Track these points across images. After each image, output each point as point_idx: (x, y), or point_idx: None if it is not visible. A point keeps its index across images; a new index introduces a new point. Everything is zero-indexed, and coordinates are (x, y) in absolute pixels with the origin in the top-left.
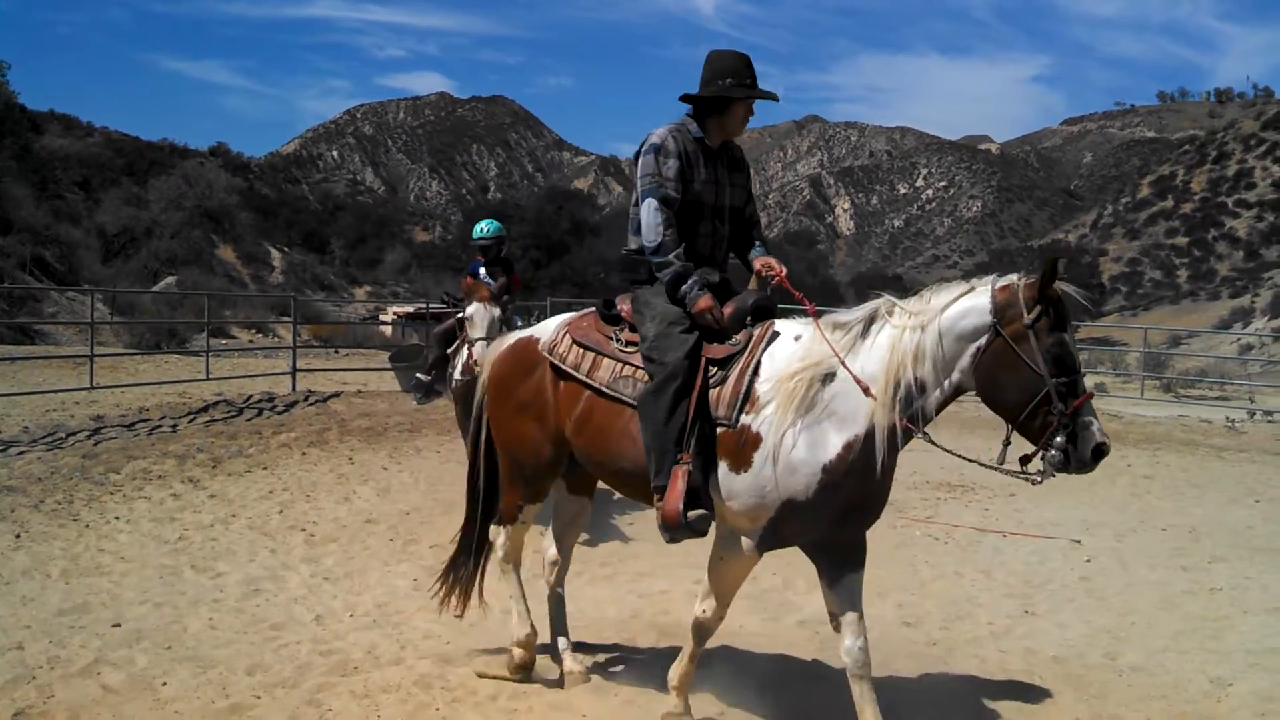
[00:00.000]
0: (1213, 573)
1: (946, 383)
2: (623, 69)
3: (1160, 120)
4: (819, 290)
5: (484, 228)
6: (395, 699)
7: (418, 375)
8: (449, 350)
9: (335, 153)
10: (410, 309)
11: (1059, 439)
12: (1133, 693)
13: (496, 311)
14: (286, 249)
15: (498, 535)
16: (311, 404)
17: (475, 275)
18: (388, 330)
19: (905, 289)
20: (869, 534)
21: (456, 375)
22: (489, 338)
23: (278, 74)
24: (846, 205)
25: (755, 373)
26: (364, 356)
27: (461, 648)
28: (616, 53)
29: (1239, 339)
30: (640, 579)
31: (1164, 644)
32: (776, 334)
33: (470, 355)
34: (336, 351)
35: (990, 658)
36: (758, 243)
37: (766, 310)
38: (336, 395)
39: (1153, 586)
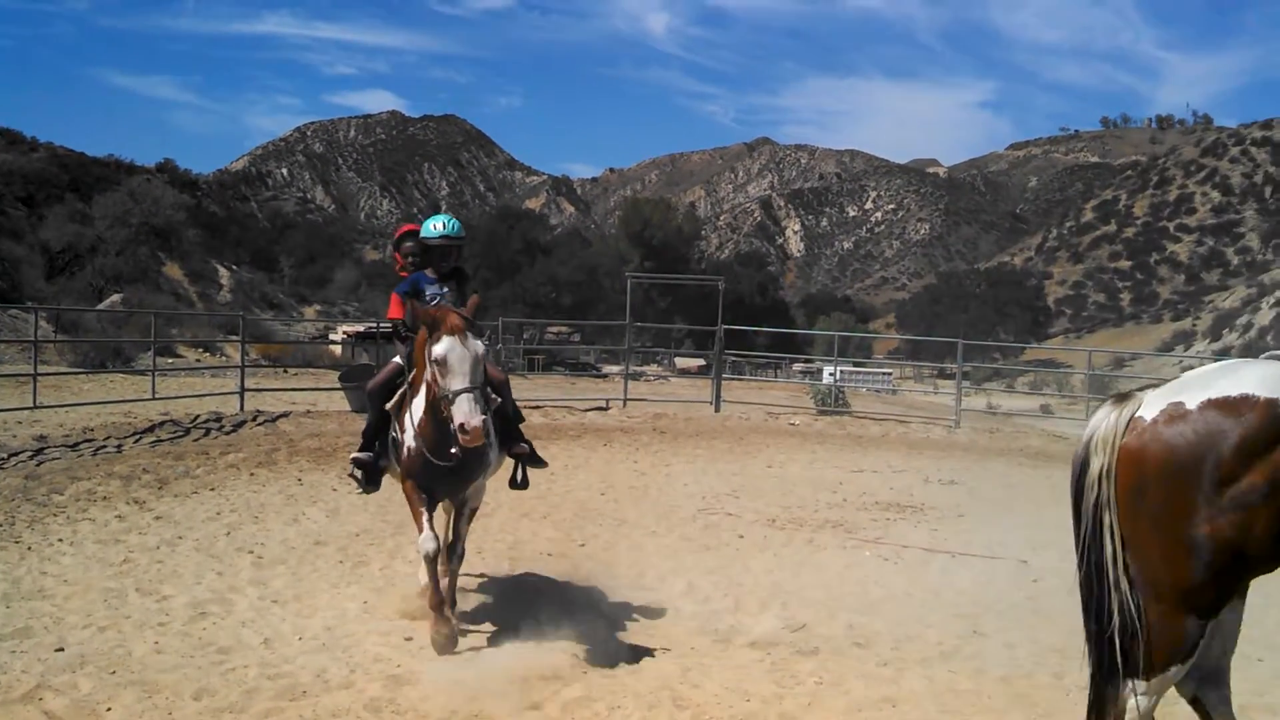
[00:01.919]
0: None
1: None
2: (574, 89)
3: (1104, 146)
4: (769, 311)
5: (440, 225)
6: None
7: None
8: (387, 406)
9: (285, 170)
10: (360, 328)
11: None
12: (1079, 712)
13: (479, 348)
14: (235, 267)
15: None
16: (260, 424)
17: (418, 294)
18: (337, 349)
19: (855, 310)
20: (818, 552)
21: (409, 443)
22: (473, 387)
23: (226, 90)
24: (796, 227)
25: None
26: (313, 376)
27: (412, 670)
28: (568, 73)
29: (1180, 361)
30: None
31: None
32: None
33: (446, 415)
34: (285, 371)
35: (940, 678)
36: None
37: None
38: (285, 415)
39: None
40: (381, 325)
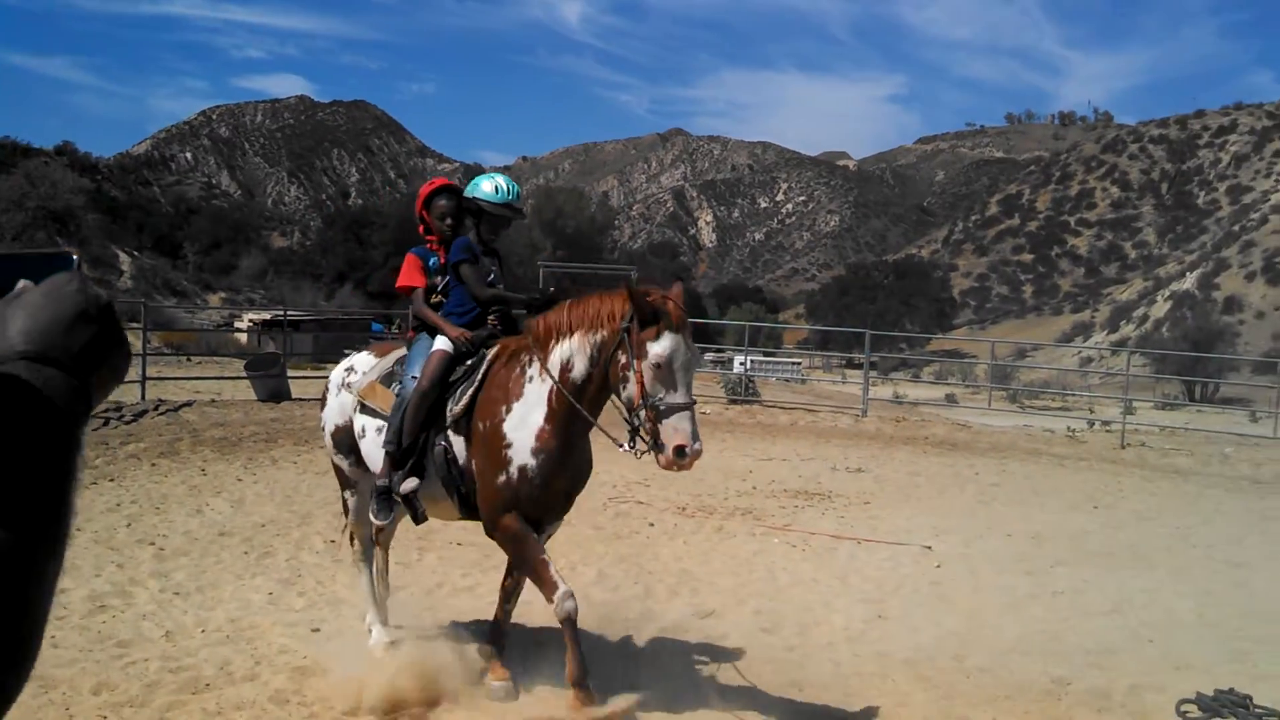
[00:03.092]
0: (1055, 576)
1: None
2: (488, 77)
3: (1008, 141)
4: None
5: (499, 186)
6: (249, 716)
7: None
8: (456, 410)
9: (189, 154)
10: (267, 316)
11: None
12: (980, 693)
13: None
14: (136, 253)
15: None
16: (162, 413)
17: (472, 260)
18: (243, 338)
19: (765, 301)
20: (727, 540)
21: (520, 461)
22: (694, 401)
23: (129, 72)
24: (709, 218)
25: None
26: (218, 365)
27: (318, 661)
28: (481, 60)
29: (1080, 352)
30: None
31: (1009, 646)
32: None
33: (644, 429)
34: (189, 359)
35: (845, 661)
36: None
37: None
38: (189, 404)
39: (999, 590)
40: (290, 313)
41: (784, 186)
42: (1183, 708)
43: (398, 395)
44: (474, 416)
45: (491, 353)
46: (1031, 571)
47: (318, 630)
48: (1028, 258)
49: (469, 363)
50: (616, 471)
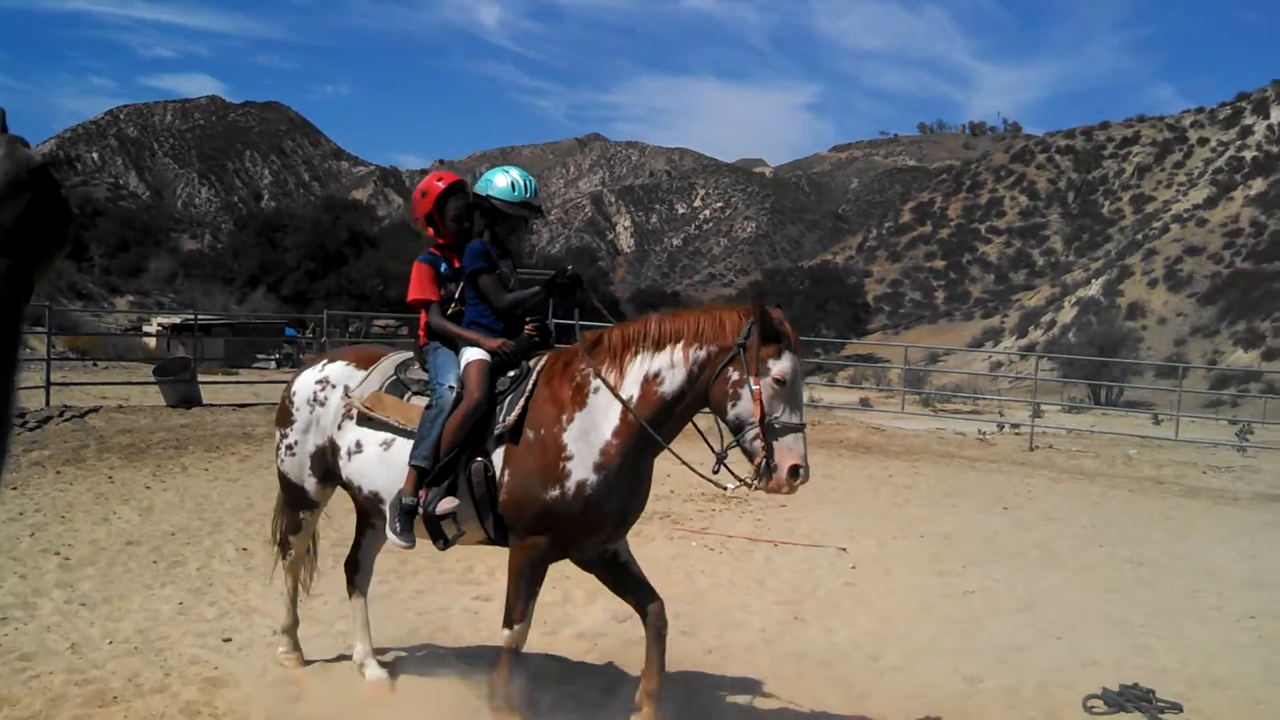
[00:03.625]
0: (966, 577)
1: None
2: (404, 80)
3: (920, 150)
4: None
5: (515, 182)
6: None
7: None
8: (507, 420)
9: (96, 155)
10: (177, 320)
11: None
12: (894, 692)
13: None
14: None
15: None
16: (67, 419)
17: (494, 271)
18: (152, 342)
19: (683, 306)
20: (646, 543)
21: (579, 476)
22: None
23: (33, 69)
24: (627, 223)
25: None
26: (125, 370)
27: (230, 672)
28: (398, 63)
29: (990, 356)
30: (419, 596)
31: (922, 645)
32: None
33: (754, 448)
34: (95, 364)
35: (762, 664)
36: None
37: None
38: (95, 410)
39: (912, 591)
40: (200, 316)
41: (702, 193)
42: (1089, 703)
43: (431, 406)
44: (522, 425)
45: (539, 363)
46: (944, 572)
47: (230, 640)
48: (940, 264)
49: (512, 374)
50: None
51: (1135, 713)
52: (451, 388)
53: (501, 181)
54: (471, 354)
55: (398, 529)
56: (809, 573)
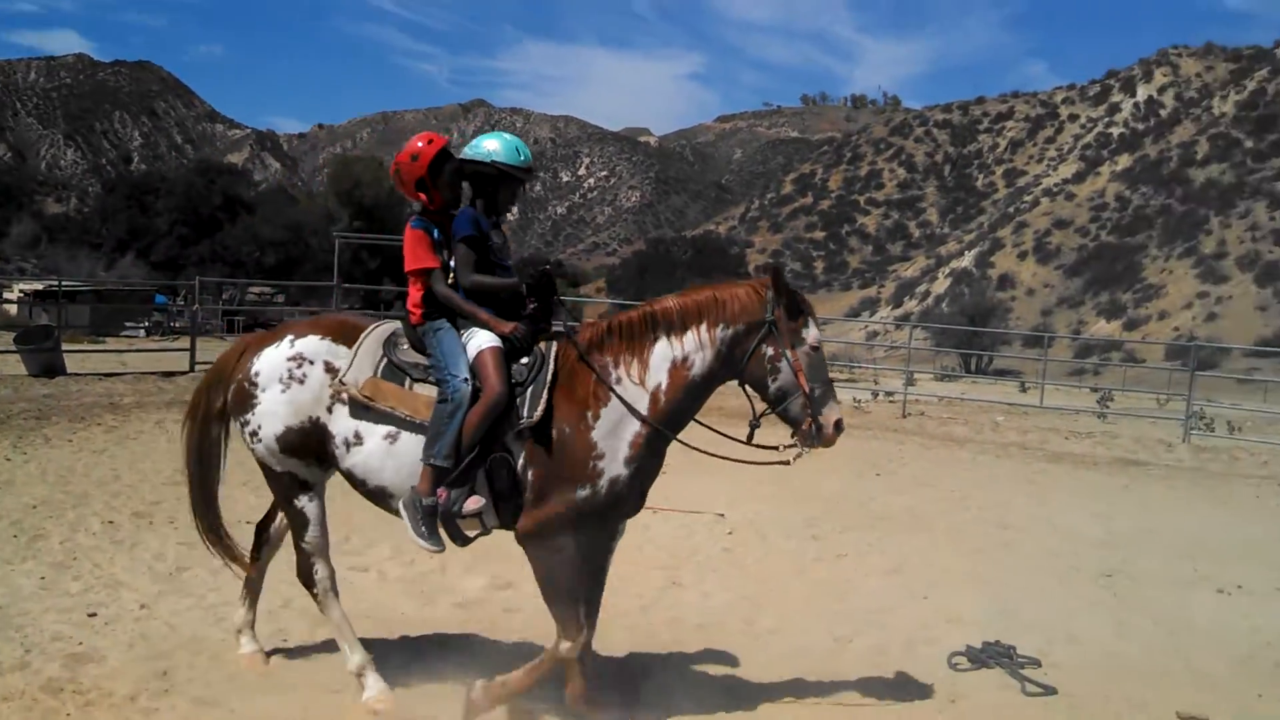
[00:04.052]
0: (839, 541)
1: None
2: (282, 41)
3: (803, 121)
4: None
5: (510, 146)
6: (18, 707)
7: None
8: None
9: None
10: (40, 286)
11: None
12: (768, 654)
13: None
14: None
15: None
16: None
17: (485, 241)
18: (13, 309)
19: (567, 275)
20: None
21: (612, 472)
22: None
23: None
24: None
25: None
26: None
27: (96, 647)
28: (275, 24)
29: (866, 326)
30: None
31: (796, 608)
32: None
33: (794, 416)
34: None
35: (639, 628)
36: None
37: None
38: None
39: (787, 555)
40: (65, 283)
41: (586, 161)
42: (954, 660)
43: (446, 400)
44: (549, 422)
45: (553, 349)
46: (818, 536)
47: (95, 615)
48: (820, 235)
49: (525, 361)
50: None
51: (996, 668)
52: (466, 380)
53: (502, 145)
54: (483, 339)
55: (424, 533)
56: (687, 539)
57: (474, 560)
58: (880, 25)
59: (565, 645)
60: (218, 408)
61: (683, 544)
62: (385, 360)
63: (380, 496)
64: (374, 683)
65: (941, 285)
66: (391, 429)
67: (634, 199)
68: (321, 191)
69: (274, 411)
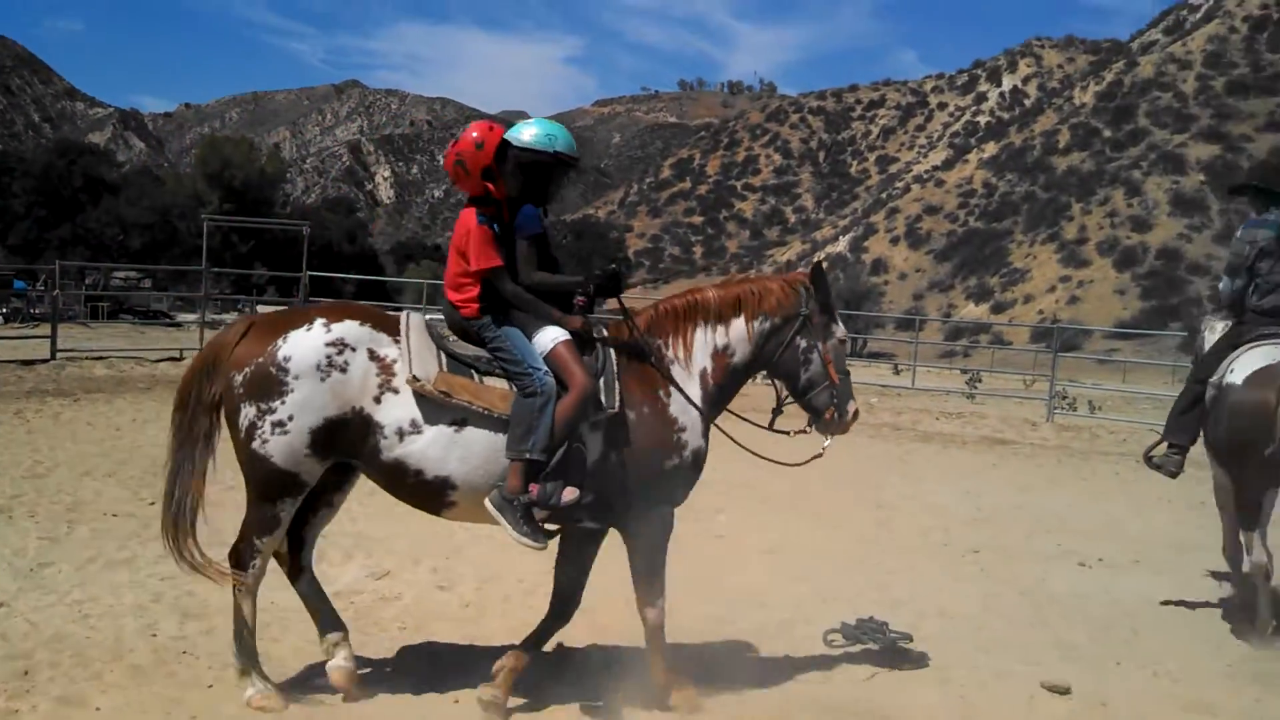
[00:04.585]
0: (717, 523)
1: None
2: (146, 17)
3: (681, 107)
4: (357, 258)
5: (559, 134)
6: None
7: None
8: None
9: None
10: None
11: None
12: (642, 635)
13: None
14: None
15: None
16: None
17: (546, 239)
18: None
19: (442, 260)
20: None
21: (677, 459)
22: None
23: None
24: (387, 173)
25: None
26: None
27: None
28: None
29: None
30: (161, 562)
31: (674, 590)
32: None
33: (818, 407)
34: None
35: (519, 613)
36: None
37: None
38: None
39: None
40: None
41: None
42: (829, 637)
43: (534, 394)
44: (623, 407)
45: (606, 335)
46: (697, 518)
47: None
48: (698, 220)
49: (589, 354)
50: None
51: (870, 644)
52: (547, 373)
53: (561, 134)
54: (554, 333)
55: (525, 530)
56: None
57: (353, 548)
58: (756, 11)
59: (653, 612)
60: (212, 397)
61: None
62: (439, 352)
63: (436, 489)
64: (258, 681)
65: None
66: (458, 419)
67: None
68: (189, 173)
69: (310, 402)
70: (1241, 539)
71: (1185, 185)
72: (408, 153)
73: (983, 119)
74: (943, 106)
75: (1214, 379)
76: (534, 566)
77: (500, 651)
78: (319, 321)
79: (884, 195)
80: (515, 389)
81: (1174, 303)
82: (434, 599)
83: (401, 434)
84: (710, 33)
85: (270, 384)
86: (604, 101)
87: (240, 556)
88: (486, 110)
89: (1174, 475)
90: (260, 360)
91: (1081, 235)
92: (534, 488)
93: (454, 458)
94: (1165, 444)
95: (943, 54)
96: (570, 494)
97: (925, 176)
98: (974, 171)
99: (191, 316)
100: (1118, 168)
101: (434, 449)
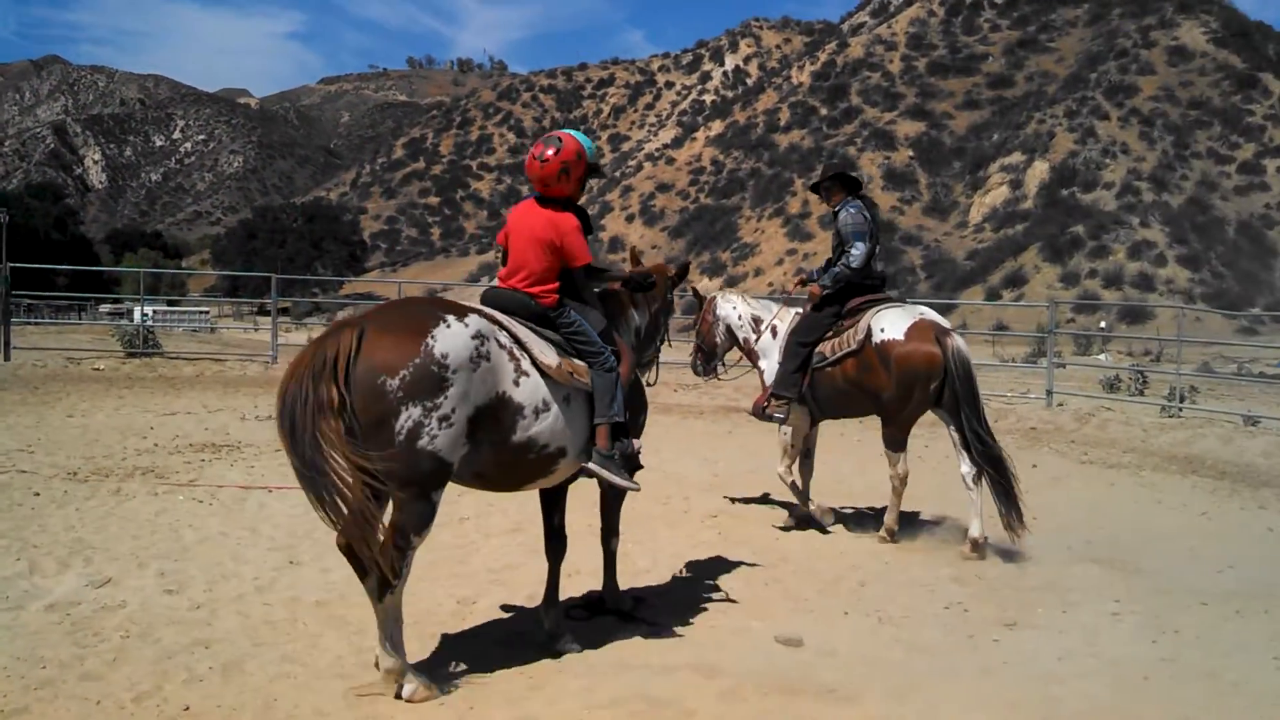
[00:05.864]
0: (460, 505)
1: None
2: None
3: (411, 85)
4: (69, 248)
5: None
6: None
7: None
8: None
9: None
10: None
11: None
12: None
13: None
14: None
15: None
16: None
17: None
18: None
19: (165, 246)
20: (126, 502)
21: None
22: None
23: None
24: (97, 156)
25: None
26: None
27: None
28: None
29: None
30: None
31: (418, 573)
32: None
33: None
34: None
35: (254, 612)
36: None
37: None
38: None
39: None
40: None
41: (181, 124)
42: (573, 610)
43: (609, 368)
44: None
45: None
46: (444, 501)
47: None
48: (434, 200)
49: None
50: None
51: (613, 614)
52: (612, 350)
53: (591, 143)
54: (596, 317)
55: (626, 477)
56: (305, 516)
57: (69, 555)
58: None
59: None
60: (332, 402)
61: (300, 522)
62: (550, 339)
63: (552, 459)
64: (414, 677)
65: None
66: (565, 394)
67: (236, 164)
68: None
69: (467, 393)
70: (891, 457)
71: (895, 160)
72: (119, 134)
73: (708, 98)
74: (670, 85)
75: (859, 337)
76: (271, 563)
77: (230, 650)
78: (451, 317)
79: (618, 174)
80: (591, 365)
81: (890, 272)
82: (161, 603)
83: (537, 412)
84: (438, 9)
85: (433, 382)
86: (331, 79)
87: (395, 558)
88: (205, 89)
89: (781, 424)
90: (418, 361)
91: (804, 210)
92: (624, 442)
93: (568, 431)
94: (775, 397)
95: (668, 34)
96: (637, 443)
97: (656, 154)
98: (702, 149)
99: None
100: (835, 144)
101: (558, 424)
